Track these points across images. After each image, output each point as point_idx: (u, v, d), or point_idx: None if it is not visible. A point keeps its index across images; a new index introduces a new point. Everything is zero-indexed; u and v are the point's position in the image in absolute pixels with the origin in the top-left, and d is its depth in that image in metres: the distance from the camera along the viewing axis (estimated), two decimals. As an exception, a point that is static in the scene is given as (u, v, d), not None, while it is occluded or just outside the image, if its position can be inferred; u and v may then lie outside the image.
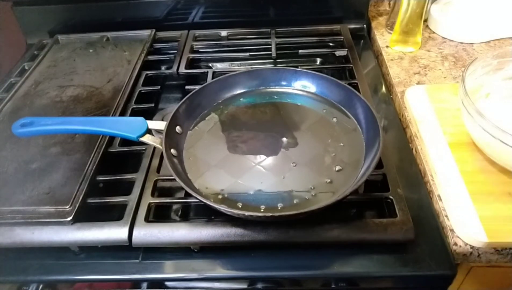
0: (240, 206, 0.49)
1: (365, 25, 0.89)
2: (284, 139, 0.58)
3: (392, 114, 0.68)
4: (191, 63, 0.80)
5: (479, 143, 0.54)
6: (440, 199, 0.52)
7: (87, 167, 0.55)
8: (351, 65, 0.74)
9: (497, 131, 0.47)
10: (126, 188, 0.54)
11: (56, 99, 0.70)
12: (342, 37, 0.83)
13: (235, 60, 0.83)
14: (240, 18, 0.88)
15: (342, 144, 0.57)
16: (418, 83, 0.71)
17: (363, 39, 0.88)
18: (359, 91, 0.65)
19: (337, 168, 0.53)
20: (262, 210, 0.49)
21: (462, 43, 0.80)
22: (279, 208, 0.49)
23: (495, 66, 0.59)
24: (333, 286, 0.50)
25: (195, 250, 0.50)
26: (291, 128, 0.60)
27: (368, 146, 0.55)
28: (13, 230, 0.49)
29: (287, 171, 0.53)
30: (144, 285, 0.50)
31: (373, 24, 0.90)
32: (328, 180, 0.52)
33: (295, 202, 0.50)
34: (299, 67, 0.71)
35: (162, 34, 0.87)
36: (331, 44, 0.84)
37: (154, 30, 0.86)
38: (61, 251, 0.50)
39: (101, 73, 0.75)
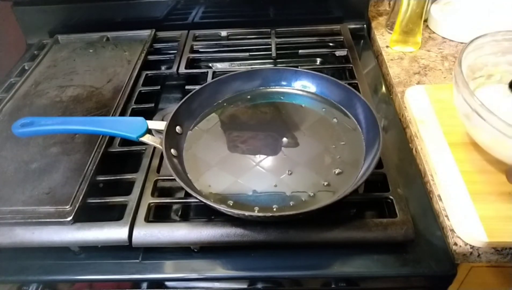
0: (232, 204, 0.50)
1: (365, 25, 0.89)
2: (284, 139, 0.58)
3: (392, 114, 0.68)
4: (191, 63, 0.80)
5: (471, 133, 0.52)
6: (440, 199, 0.52)
7: (87, 167, 0.55)
8: (351, 65, 0.74)
9: (489, 115, 0.46)
10: (126, 188, 0.54)
11: (56, 99, 0.70)
12: (342, 37, 0.83)
13: (235, 60, 0.83)
14: (240, 18, 0.88)
15: (342, 144, 0.57)
16: (418, 83, 0.71)
17: (363, 39, 0.88)
18: (359, 91, 0.65)
19: (337, 170, 0.53)
20: (256, 211, 0.49)
21: (462, 43, 0.80)
22: (274, 209, 0.49)
23: (505, 48, 0.56)
24: (333, 286, 0.49)
25: (195, 250, 0.50)
26: (291, 128, 0.60)
27: (368, 146, 0.55)
28: (13, 230, 0.49)
29: (286, 172, 0.53)
30: (144, 285, 0.50)
31: (373, 24, 0.90)
32: (328, 180, 0.52)
33: (291, 204, 0.50)
34: (299, 67, 0.71)
35: (162, 34, 0.87)
36: (331, 44, 0.84)
37: (154, 30, 0.86)
38: (61, 251, 0.50)
39: (101, 73, 0.75)
